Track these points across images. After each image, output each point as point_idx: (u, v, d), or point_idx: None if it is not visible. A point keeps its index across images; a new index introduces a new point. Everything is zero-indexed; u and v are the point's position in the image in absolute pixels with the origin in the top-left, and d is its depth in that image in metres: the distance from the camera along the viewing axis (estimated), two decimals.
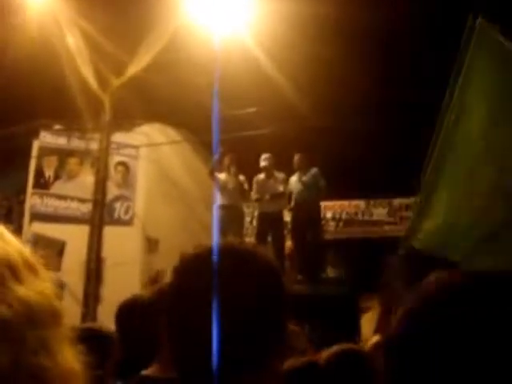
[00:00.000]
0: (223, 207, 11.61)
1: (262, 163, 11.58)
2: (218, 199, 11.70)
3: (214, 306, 1.30)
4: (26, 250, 0.98)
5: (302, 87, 11.25)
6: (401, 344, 1.01)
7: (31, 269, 0.95)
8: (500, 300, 0.96)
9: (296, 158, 11.65)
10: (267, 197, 11.56)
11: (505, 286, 0.99)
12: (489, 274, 1.04)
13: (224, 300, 1.31)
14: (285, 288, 1.45)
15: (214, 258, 1.37)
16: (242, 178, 11.86)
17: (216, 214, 11.12)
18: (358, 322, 11.31)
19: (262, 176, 11.72)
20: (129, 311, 3.86)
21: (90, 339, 3.25)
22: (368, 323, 13.31)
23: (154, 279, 11.80)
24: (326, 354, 3.55)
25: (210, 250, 1.41)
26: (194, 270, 1.40)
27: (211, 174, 11.55)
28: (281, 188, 11.66)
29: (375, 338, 4.84)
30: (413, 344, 0.98)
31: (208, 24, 10.42)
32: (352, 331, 10.19)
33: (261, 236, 11.73)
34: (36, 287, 0.92)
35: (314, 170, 11.59)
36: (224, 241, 1.50)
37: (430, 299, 1.01)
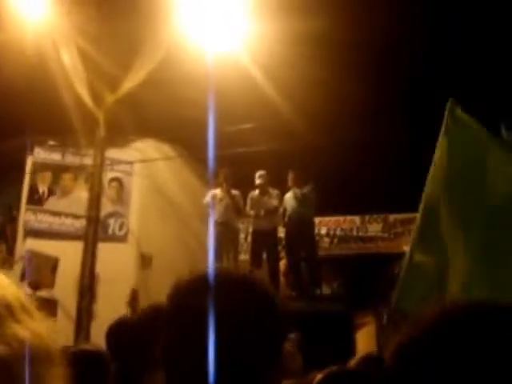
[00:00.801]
0: (217, 224, 11.61)
1: (257, 181, 11.60)
2: (213, 215, 11.71)
3: (210, 333, 1.29)
4: (22, 294, 1.02)
5: (297, 104, 11.29)
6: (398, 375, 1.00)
7: (27, 311, 1.00)
8: (500, 331, 0.95)
9: (291, 175, 11.67)
10: (262, 213, 11.56)
11: (503, 316, 0.98)
12: (489, 304, 1.03)
13: (219, 327, 1.30)
14: (281, 314, 1.44)
15: (210, 285, 1.36)
16: (236, 192, 11.87)
17: (212, 230, 11.11)
18: (352, 339, 11.30)
19: (256, 193, 11.73)
20: (118, 332, 3.87)
21: (87, 363, 3.25)
22: (363, 339, 13.29)
23: (131, 298, 11.76)
24: (319, 376, 3.54)
25: (205, 277, 1.40)
26: (189, 297, 1.39)
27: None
28: (275, 204, 11.67)
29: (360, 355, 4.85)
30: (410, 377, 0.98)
31: (203, 40, 10.45)
32: (347, 347, 10.18)
33: (255, 253, 11.73)
34: (32, 328, 0.97)
35: (309, 187, 11.60)
36: (219, 267, 1.49)
37: (429, 330, 1.00)
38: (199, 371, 1.29)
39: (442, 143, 5.16)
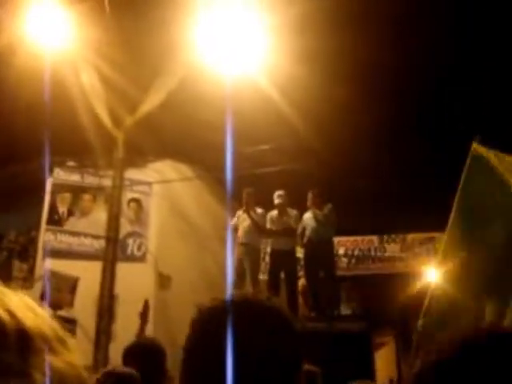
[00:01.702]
0: (241, 245, 11.66)
1: (276, 200, 11.63)
2: (238, 236, 11.77)
3: (230, 361, 1.31)
4: (54, 323, 1.05)
5: (315, 124, 11.31)
6: None
7: (61, 341, 1.02)
8: None
9: (310, 195, 11.69)
10: (280, 230, 11.59)
11: None
12: None
13: (239, 354, 1.32)
14: (299, 341, 1.46)
15: (230, 313, 1.39)
16: (260, 211, 11.91)
17: (230, 252, 11.13)
18: (371, 359, 11.23)
19: (275, 213, 11.75)
20: (132, 353, 3.92)
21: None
22: (382, 359, 13.21)
23: (143, 309, 11.83)
24: None
25: (226, 304, 1.42)
26: (210, 325, 1.41)
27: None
28: (294, 225, 11.68)
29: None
30: None
31: (220, 62, 10.52)
32: (366, 367, 10.13)
33: (273, 273, 11.72)
34: (66, 358, 1.00)
35: (329, 207, 11.61)
36: (238, 294, 1.51)
37: (466, 348, 1.02)
38: None
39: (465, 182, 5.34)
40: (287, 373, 1.39)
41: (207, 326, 1.42)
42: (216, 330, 1.37)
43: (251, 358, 1.34)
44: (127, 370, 3.55)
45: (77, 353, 1.07)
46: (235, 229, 11.91)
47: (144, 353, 3.91)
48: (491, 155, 5.42)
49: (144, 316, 11.78)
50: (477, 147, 5.54)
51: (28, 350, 0.94)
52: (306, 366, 1.60)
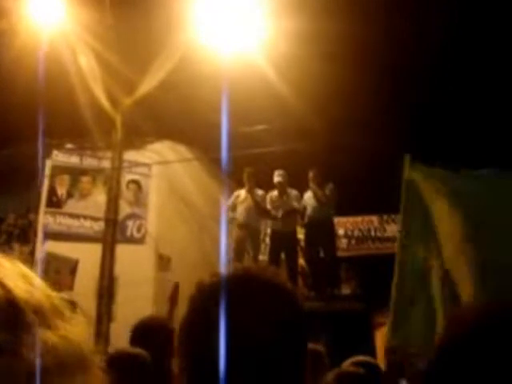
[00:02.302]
0: (241, 225, 11.62)
1: (277, 178, 11.58)
2: (237, 217, 11.73)
3: (231, 336, 1.28)
4: (53, 294, 0.98)
5: (312, 104, 11.27)
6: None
7: (58, 313, 0.95)
8: None
9: (311, 173, 11.64)
10: (280, 214, 11.55)
11: None
12: None
13: (241, 329, 1.29)
14: (303, 313, 1.43)
15: (229, 289, 1.36)
16: (260, 192, 11.87)
17: (224, 232, 11.12)
18: (372, 338, 11.26)
19: (275, 193, 11.72)
20: (143, 332, 3.87)
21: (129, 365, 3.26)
22: (382, 339, 13.23)
23: (172, 293, 11.86)
24: (330, 376, 3.55)
25: (226, 279, 1.39)
26: (211, 299, 1.37)
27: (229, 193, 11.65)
28: (294, 204, 11.65)
29: None
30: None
31: (218, 42, 10.46)
32: (366, 347, 10.14)
33: (274, 254, 11.72)
34: (64, 333, 0.92)
35: (330, 186, 11.58)
36: (240, 268, 1.47)
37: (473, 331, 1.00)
38: (217, 372, 1.28)
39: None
40: (292, 353, 1.36)
41: (206, 303, 1.39)
42: (215, 308, 1.34)
43: (252, 337, 1.31)
44: (136, 350, 3.51)
45: (79, 326, 0.99)
46: (233, 208, 11.88)
47: (152, 332, 3.86)
48: (420, 180, 5.42)
49: (173, 299, 11.81)
50: (409, 172, 5.48)
51: (17, 324, 0.86)
52: (311, 346, 1.56)
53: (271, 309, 1.35)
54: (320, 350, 4.76)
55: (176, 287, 11.99)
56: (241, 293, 1.35)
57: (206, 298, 1.40)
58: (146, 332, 3.84)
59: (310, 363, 1.40)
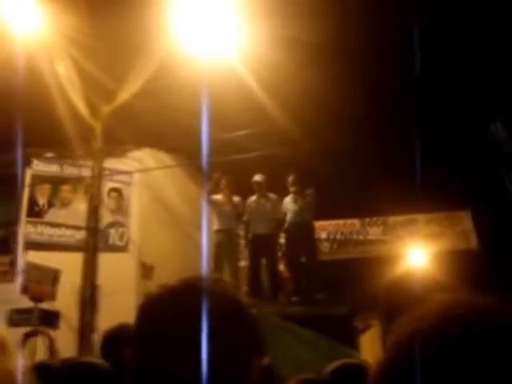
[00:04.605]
0: (219, 231, 11.57)
1: (257, 178, 11.54)
2: (214, 223, 11.66)
3: (175, 346, 1.28)
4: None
5: (292, 110, 11.29)
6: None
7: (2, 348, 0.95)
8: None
9: (290, 178, 11.63)
10: (259, 218, 11.54)
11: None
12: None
13: (183, 343, 1.29)
14: (251, 327, 1.41)
15: (174, 299, 1.36)
16: (237, 199, 11.83)
17: (206, 238, 11.07)
18: (356, 342, 11.25)
19: (253, 198, 11.70)
20: (114, 340, 3.83)
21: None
22: (368, 343, 13.24)
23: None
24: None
25: (170, 291, 1.39)
26: (156, 310, 1.38)
27: (207, 197, 11.55)
28: (273, 209, 11.62)
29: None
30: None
31: (196, 48, 10.46)
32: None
33: (254, 259, 11.69)
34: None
35: (310, 191, 11.58)
36: (186, 278, 1.47)
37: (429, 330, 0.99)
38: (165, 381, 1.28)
39: None
40: (236, 362, 1.35)
41: (152, 314, 1.39)
42: (159, 318, 1.34)
43: (193, 346, 1.30)
44: (92, 360, 3.46)
45: (16, 358, 1.00)
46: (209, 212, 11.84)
47: (124, 340, 3.81)
48: None
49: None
50: None
51: None
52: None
53: (215, 319, 1.34)
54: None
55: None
56: (183, 304, 1.35)
57: (151, 311, 1.40)
58: (117, 341, 3.79)
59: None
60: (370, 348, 13.18)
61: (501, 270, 12.82)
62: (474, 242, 15.77)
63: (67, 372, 2.83)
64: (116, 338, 3.83)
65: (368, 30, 10.47)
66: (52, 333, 10.54)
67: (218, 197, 11.69)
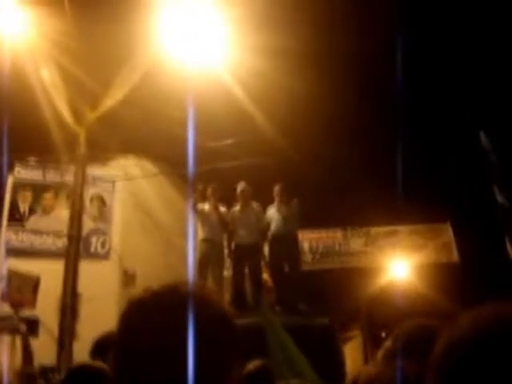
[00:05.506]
0: (204, 241, 11.51)
1: (240, 188, 11.51)
2: (200, 232, 11.61)
3: (155, 354, 1.27)
4: None
5: (277, 119, 11.31)
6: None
7: None
8: None
9: (276, 188, 11.60)
10: (243, 228, 11.50)
11: None
12: None
13: (164, 349, 1.28)
14: (231, 330, 1.40)
15: (157, 303, 1.35)
16: (223, 208, 11.78)
17: (191, 247, 11.02)
18: (338, 353, 11.24)
19: (237, 208, 11.66)
20: (103, 347, 3.80)
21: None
22: (350, 353, 13.26)
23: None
24: None
25: (151, 297, 1.38)
26: (139, 314, 1.36)
27: (193, 207, 11.48)
28: (257, 218, 11.60)
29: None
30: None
31: (183, 57, 10.45)
32: (334, 361, 10.12)
33: (237, 268, 11.65)
34: None
35: (295, 201, 11.56)
36: (169, 284, 1.46)
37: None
38: None
39: None
40: (218, 368, 1.34)
41: (134, 318, 1.37)
42: (142, 323, 1.32)
43: (176, 351, 1.29)
44: (97, 364, 3.41)
45: None
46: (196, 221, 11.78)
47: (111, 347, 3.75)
48: None
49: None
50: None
51: None
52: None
53: (199, 324, 1.33)
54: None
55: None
56: (165, 309, 1.34)
57: (133, 314, 1.39)
58: (106, 347, 3.76)
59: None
60: (351, 358, 13.20)
61: (480, 282, 12.90)
62: (455, 255, 15.86)
63: (73, 374, 2.79)
64: (106, 345, 3.80)
65: (354, 39, 10.52)
66: (31, 340, 10.45)
67: (205, 206, 11.63)
